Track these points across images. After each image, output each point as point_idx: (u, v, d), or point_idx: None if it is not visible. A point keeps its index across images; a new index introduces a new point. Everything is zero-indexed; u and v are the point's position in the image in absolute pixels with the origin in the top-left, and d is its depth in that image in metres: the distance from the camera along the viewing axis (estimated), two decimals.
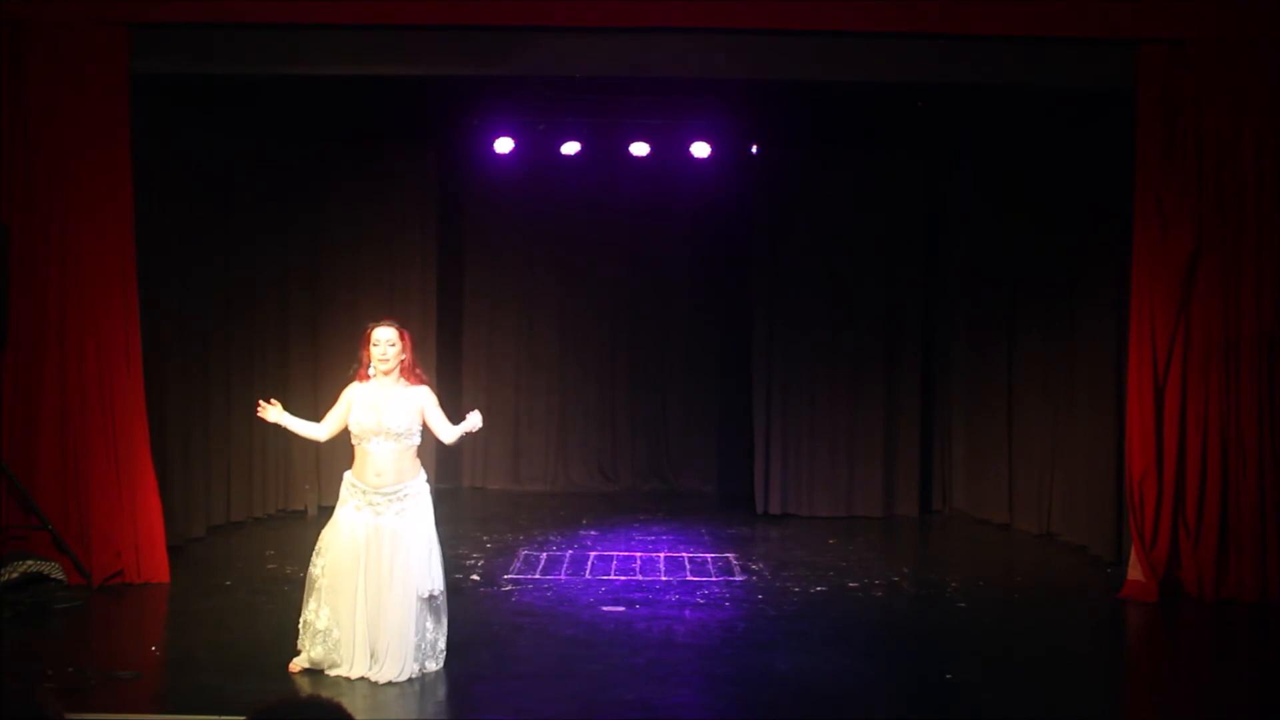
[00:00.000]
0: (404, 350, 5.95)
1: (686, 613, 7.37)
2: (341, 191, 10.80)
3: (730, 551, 9.21)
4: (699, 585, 8.09)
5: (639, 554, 9.06)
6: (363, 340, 6.00)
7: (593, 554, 9.02)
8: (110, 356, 7.82)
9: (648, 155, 11.20)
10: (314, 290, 10.68)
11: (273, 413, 6.03)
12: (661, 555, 9.03)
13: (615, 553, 9.09)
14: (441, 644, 6.01)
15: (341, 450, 6.24)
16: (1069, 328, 9.57)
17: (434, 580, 5.91)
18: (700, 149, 11.07)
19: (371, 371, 5.94)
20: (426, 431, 6.00)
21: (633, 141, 11.09)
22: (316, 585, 5.91)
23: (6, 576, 7.45)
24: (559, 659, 6.37)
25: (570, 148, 11.16)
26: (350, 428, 5.91)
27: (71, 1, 7.77)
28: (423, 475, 6.00)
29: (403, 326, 6.04)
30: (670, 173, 11.61)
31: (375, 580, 5.81)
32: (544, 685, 5.94)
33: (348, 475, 5.97)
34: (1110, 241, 8.80)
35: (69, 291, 7.80)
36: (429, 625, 5.93)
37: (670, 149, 11.15)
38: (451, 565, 7.46)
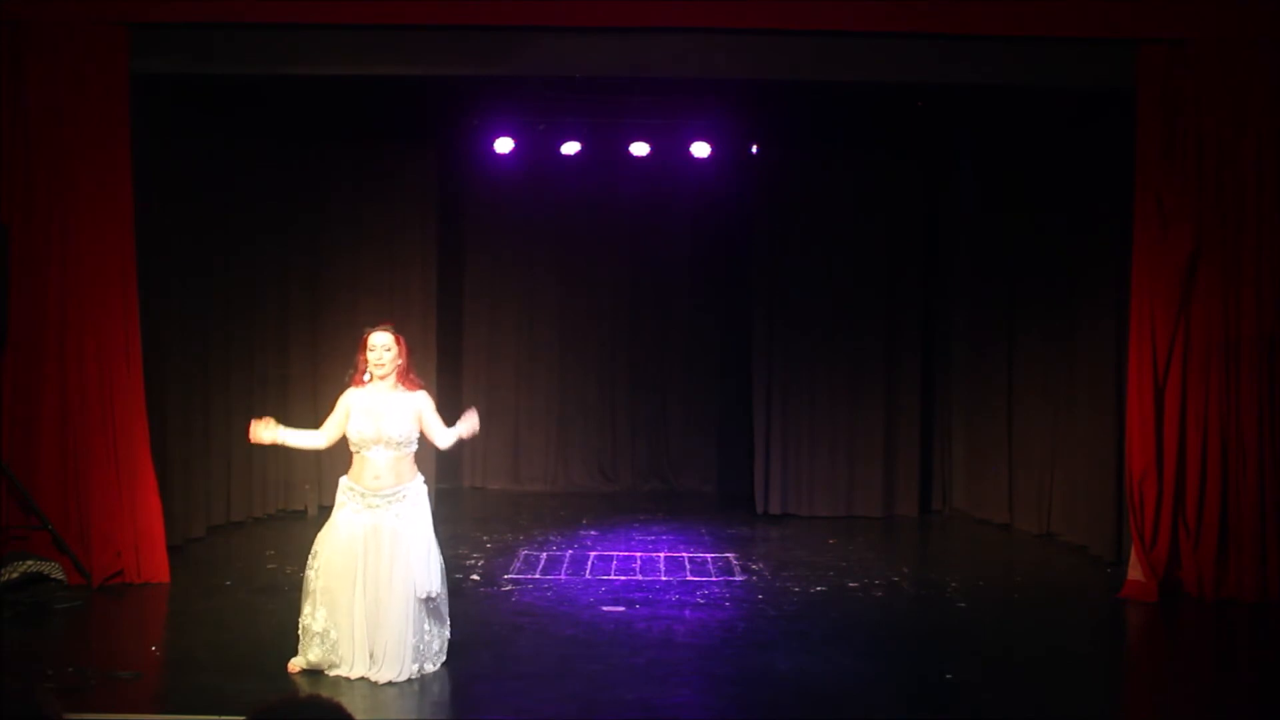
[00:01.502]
0: (400, 355, 5.94)
1: (686, 613, 7.37)
2: (341, 191, 10.79)
3: (730, 551, 9.21)
4: (699, 585, 8.08)
5: (639, 554, 9.06)
6: (359, 345, 5.98)
7: (593, 554, 9.02)
8: (110, 356, 7.82)
9: (648, 155, 11.20)
10: (314, 290, 10.68)
11: (267, 433, 5.91)
12: (661, 555, 9.03)
13: (615, 553, 9.09)
14: (438, 645, 6.00)
15: (342, 450, 6.23)
16: (1069, 328, 9.57)
17: (432, 581, 5.89)
18: (700, 149, 11.08)
19: (367, 376, 5.94)
20: (423, 437, 6.00)
21: (633, 141, 11.10)
22: (312, 588, 5.89)
23: (6, 576, 7.45)
24: (559, 659, 6.36)
25: (570, 148, 11.17)
26: (349, 436, 5.88)
27: (71, 1, 7.77)
28: (420, 478, 5.99)
29: (398, 331, 6.02)
30: (670, 173, 11.61)
31: (374, 580, 5.80)
32: (544, 685, 5.93)
33: (344, 480, 5.95)
34: (1110, 241, 8.80)
35: (69, 291, 7.80)
36: (427, 626, 5.93)
37: (670, 149, 11.15)
38: (451, 565, 7.44)
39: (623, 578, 8.28)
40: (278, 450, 10.23)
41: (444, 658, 6.04)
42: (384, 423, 5.84)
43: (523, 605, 7.50)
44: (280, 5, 7.81)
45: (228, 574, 8.20)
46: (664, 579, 8.25)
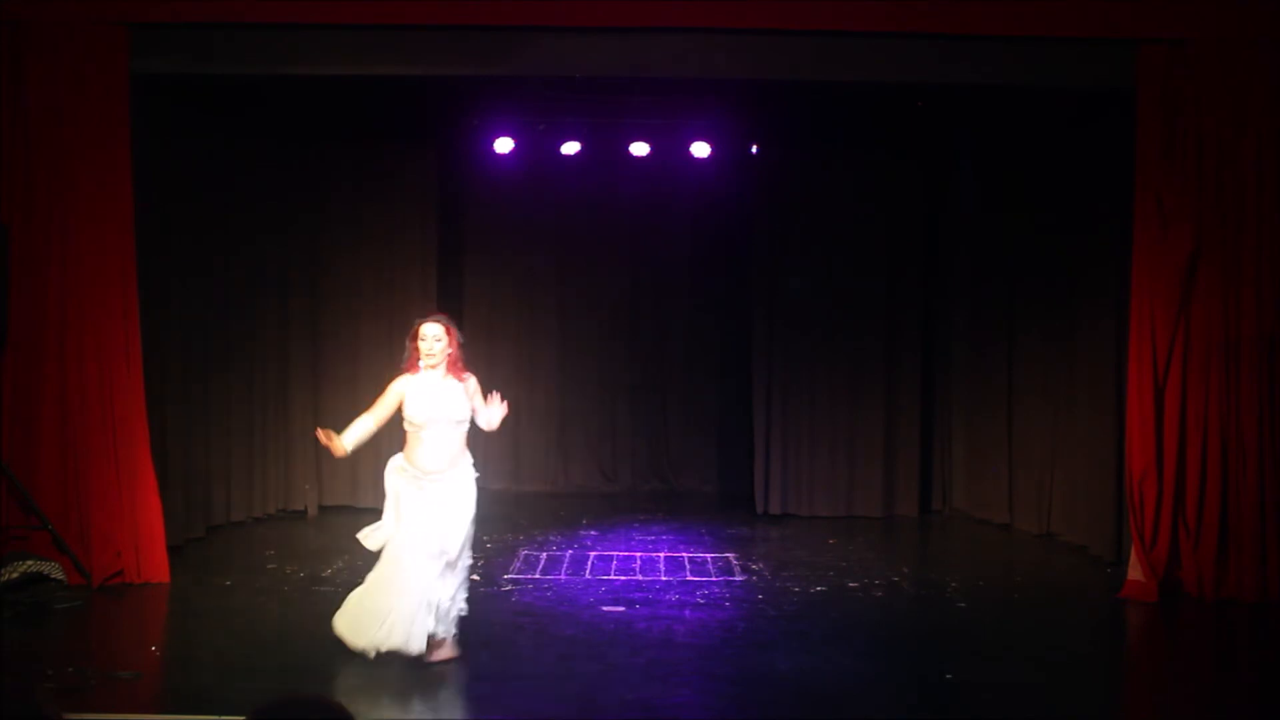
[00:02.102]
0: (450, 345, 6.14)
1: (686, 613, 7.37)
2: (341, 191, 10.79)
3: (730, 551, 9.21)
4: (699, 585, 8.08)
5: (639, 554, 9.06)
6: (411, 334, 6.18)
7: (593, 554, 9.02)
8: (110, 356, 7.82)
9: (648, 155, 11.20)
10: (314, 290, 10.67)
11: (339, 445, 6.07)
12: (661, 555, 9.03)
13: (615, 553, 9.09)
14: (455, 612, 6.14)
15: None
16: (1069, 328, 9.57)
17: (466, 551, 6.15)
18: (700, 149, 11.07)
19: (420, 365, 6.11)
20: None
21: (633, 141, 11.09)
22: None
23: (6, 576, 7.45)
24: (559, 659, 6.37)
25: (570, 148, 11.17)
26: (408, 416, 6.07)
27: (71, 1, 7.77)
28: (469, 459, 6.22)
29: (450, 323, 6.21)
30: (670, 173, 11.61)
31: (401, 543, 5.98)
32: (544, 685, 5.94)
33: (399, 460, 6.11)
34: (1110, 241, 8.80)
35: (69, 291, 7.80)
36: (447, 589, 6.06)
37: (670, 149, 11.15)
38: None
39: (623, 578, 8.28)
40: (278, 451, 10.38)
41: (454, 630, 6.14)
42: (444, 403, 6.07)
43: (523, 605, 7.51)
44: (280, 5, 7.81)
45: (228, 574, 8.20)
46: (664, 579, 8.25)
